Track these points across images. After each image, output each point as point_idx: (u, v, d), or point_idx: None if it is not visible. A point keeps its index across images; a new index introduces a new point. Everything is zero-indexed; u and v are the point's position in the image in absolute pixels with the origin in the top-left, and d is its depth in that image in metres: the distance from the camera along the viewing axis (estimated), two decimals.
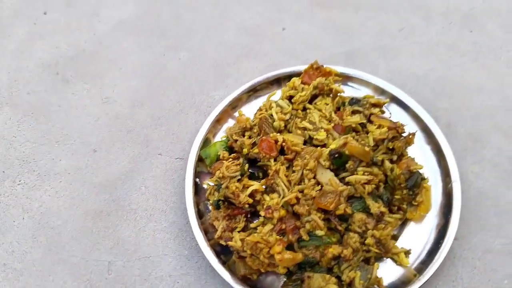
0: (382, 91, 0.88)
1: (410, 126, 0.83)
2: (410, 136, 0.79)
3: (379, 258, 0.73)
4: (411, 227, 0.76)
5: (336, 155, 0.72)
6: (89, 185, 0.83)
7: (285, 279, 0.72)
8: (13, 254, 0.77)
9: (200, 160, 0.82)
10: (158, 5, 1.06)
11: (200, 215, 0.76)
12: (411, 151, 0.79)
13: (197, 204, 0.77)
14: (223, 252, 0.73)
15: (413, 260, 0.73)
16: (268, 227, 0.70)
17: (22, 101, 0.93)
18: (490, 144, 0.86)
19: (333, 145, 0.75)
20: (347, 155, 0.72)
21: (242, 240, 0.70)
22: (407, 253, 0.74)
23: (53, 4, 1.07)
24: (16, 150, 0.87)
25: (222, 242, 0.72)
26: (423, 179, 0.76)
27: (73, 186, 0.83)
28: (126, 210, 0.80)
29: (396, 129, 0.75)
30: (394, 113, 0.86)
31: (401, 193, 0.75)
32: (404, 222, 0.76)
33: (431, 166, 0.81)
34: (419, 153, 0.81)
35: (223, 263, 0.72)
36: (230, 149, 0.82)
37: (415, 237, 0.75)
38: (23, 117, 0.91)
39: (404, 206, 0.76)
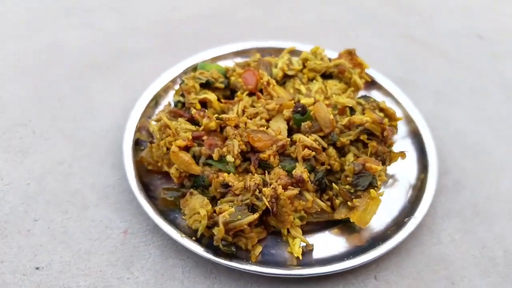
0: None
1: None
2: (399, 152, 0.73)
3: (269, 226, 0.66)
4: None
5: (300, 109, 0.69)
6: None
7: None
8: None
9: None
10: None
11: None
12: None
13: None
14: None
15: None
16: (192, 127, 0.69)
17: None
18: None
19: (303, 100, 0.72)
20: (311, 116, 0.68)
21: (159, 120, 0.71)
22: (303, 243, 0.65)
23: None
24: None
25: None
26: (374, 186, 0.66)
27: None
28: None
29: (380, 124, 0.69)
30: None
31: (343, 185, 0.67)
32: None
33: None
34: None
35: None
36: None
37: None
38: None
39: (337, 201, 0.67)
